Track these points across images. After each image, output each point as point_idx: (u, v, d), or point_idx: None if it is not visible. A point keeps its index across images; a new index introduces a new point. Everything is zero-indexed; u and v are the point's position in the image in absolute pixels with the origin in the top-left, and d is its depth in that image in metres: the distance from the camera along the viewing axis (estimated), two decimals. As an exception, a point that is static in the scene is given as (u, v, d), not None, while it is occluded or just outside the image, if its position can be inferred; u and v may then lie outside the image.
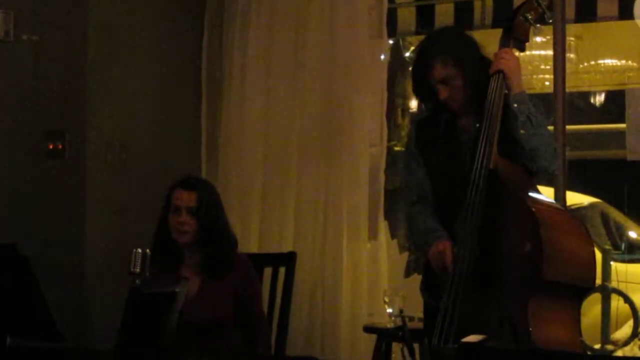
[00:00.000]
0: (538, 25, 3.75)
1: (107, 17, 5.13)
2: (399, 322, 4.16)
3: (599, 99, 8.71)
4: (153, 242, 4.24)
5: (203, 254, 4.25)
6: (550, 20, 3.84)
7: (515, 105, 3.66)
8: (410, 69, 6.57)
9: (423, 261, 3.95)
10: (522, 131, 3.63)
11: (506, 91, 3.69)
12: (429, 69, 3.71)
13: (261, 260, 4.64)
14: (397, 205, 5.90)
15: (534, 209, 3.52)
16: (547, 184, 4.36)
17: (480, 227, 3.56)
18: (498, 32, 3.86)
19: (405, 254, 6.07)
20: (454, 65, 3.70)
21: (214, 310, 4.19)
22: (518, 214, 3.56)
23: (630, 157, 5.83)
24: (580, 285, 3.57)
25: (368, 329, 4.79)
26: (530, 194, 3.63)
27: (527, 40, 3.78)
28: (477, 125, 3.68)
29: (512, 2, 4.80)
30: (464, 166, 3.68)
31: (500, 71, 3.67)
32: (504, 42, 3.76)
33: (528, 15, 3.74)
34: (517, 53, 3.78)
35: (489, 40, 3.99)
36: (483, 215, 3.57)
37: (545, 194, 3.85)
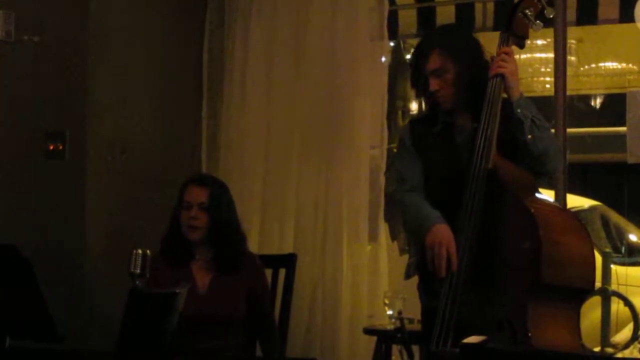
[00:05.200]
0: (538, 22, 3.74)
1: (107, 17, 5.13)
2: (399, 324, 4.15)
3: (600, 101, 8.71)
4: (164, 238, 4.29)
5: (214, 251, 4.27)
6: (551, 16, 3.81)
7: (519, 110, 3.65)
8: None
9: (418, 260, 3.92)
10: (529, 136, 3.62)
11: (505, 94, 3.69)
12: (424, 59, 3.71)
13: (261, 261, 4.64)
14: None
15: (532, 210, 3.51)
16: (548, 186, 4.35)
17: (479, 228, 3.56)
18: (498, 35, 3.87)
19: (406, 256, 6.05)
20: (448, 58, 3.69)
21: (224, 307, 4.21)
22: (517, 214, 3.54)
23: (630, 160, 5.81)
24: (579, 287, 3.56)
25: (368, 331, 4.78)
26: (530, 194, 3.61)
27: (527, 37, 3.77)
28: (475, 125, 3.68)
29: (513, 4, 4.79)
30: (460, 166, 3.66)
31: (499, 75, 3.67)
32: (504, 39, 3.74)
33: (527, 11, 3.72)
34: (517, 55, 3.77)
35: (490, 42, 3.98)
36: (482, 216, 3.56)
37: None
